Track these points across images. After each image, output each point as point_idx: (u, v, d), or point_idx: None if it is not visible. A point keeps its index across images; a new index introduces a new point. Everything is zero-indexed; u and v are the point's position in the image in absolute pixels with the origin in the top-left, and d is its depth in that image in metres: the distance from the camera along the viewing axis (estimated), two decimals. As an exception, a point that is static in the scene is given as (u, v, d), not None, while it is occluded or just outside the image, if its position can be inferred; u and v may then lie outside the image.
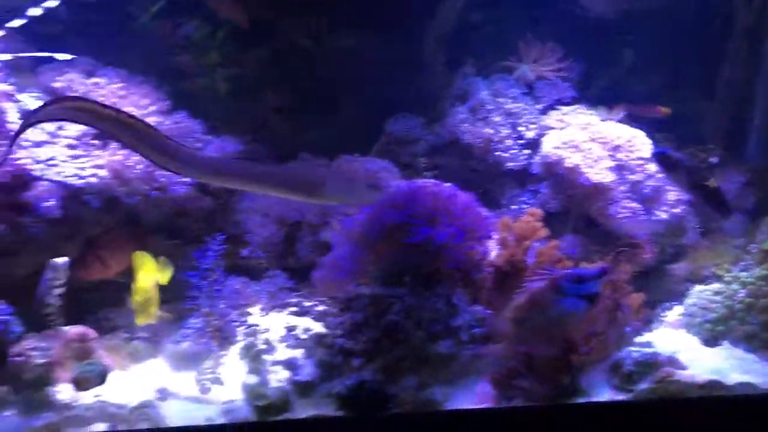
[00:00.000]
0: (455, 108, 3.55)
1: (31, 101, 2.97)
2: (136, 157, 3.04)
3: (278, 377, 2.73)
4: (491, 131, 3.38)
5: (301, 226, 3.29)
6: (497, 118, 3.40)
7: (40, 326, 2.74)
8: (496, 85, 3.53)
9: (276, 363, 2.82)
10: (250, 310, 3.19)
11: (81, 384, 2.43)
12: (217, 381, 2.76)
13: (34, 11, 2.12)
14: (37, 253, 2.89)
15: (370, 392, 2.53)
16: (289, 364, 2.68)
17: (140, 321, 2.62)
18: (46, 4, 2.17)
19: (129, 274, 2.84)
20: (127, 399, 2.59)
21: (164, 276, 2.72)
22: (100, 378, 2.44)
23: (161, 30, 3.64)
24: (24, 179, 2.74)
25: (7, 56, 2.14)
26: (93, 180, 2.97)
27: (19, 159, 2.74)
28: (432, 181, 2.79)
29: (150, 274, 2.66)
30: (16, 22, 2.13)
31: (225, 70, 3.78)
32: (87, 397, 2.59)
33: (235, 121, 3.66)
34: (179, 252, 3.38)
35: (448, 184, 2.74)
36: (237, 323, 3.09)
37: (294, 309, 3.17)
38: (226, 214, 3.47)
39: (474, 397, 2.55)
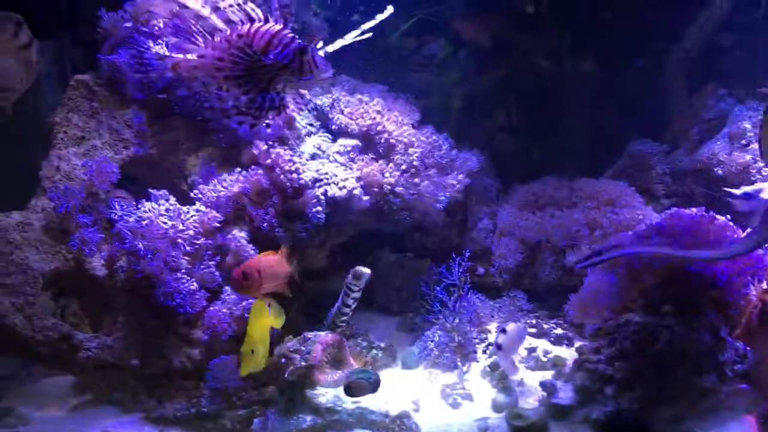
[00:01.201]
0: (710, 134, 3.42)
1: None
2: (391, 166, 3.16)
3: (529, 398, 2.73)
4: (749, 158, 3.23)
5: (541, 248, 3.27)
6: (755, 147, 3.25)
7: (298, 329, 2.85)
8: (752, 111, 3.37)
9: (520, 384, 2.83)
10: (488, 327, 3.22)
11: (354, 390, 2.46)
12: (468, 397, 2.78)
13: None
14: (291, 257, 3.02)
15: (628, 421, 2.48)
16: (547, 386, 2.66)
17: (244, 370, 2.44)
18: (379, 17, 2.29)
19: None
20: (383, 407, 2.66)
21: (278, 323, 2.56)
22: (373, 386, 2.47)
23: (407, 48, 3.75)
24: (300, 188, 2.87)
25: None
26: (354, 191, 3.07)
27: (298, 168, 2.87)
28: (700, 210, 2.69)
29: (263, 323, 2.48)
30: (367, 24, 2.25)
31: (462, 88, 3.84)
32: (347, 403, 2.67)
33: (464, 137, 3.69)
34: (412, 265, 3.48)
35: (723, 218, 2.64)
36: (477, 340, 3.12)
37: (532, 330, 3.15)
38: (462, 232, 3.52)
39: (736, 434, 2.45)
